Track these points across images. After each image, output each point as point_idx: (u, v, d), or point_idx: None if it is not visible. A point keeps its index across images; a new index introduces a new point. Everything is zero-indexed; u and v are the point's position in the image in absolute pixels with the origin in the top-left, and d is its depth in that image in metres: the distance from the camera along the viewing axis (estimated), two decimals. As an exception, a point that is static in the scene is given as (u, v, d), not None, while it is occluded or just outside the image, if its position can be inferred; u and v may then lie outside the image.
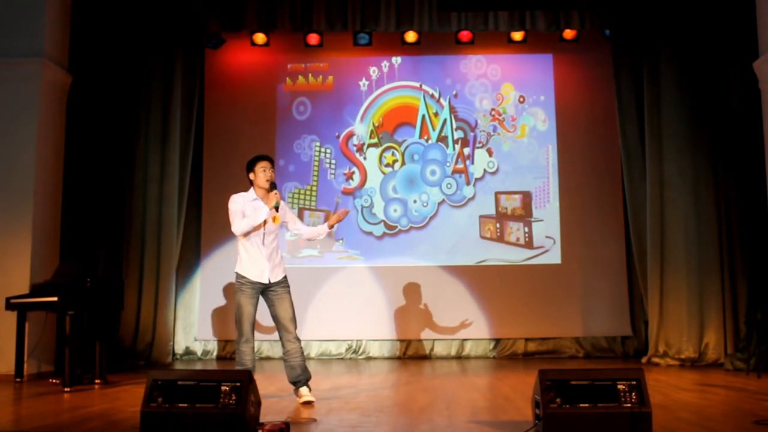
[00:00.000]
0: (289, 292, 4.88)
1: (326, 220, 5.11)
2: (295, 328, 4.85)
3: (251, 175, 4.87)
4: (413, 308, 8.20)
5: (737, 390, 5.30)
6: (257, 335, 8.17)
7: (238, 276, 4.82)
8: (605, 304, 8.19)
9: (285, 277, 4.91)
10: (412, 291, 8.22)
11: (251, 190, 4.89)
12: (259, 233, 4.80)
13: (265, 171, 4.83)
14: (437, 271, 8.27)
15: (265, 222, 4.76)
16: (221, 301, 8.23)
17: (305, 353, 8.08)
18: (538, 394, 3.46)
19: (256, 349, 8.11)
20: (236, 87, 8.56)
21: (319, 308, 8.18)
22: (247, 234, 4.79)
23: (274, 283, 4.82)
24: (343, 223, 6.42)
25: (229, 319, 8.19)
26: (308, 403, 4.66)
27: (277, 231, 4.89)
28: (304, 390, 4.79)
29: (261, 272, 4.79)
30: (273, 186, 4.80)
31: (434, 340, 8.20)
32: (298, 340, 4.86)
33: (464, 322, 8.11)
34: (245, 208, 4.80)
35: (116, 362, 6.87)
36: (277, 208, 4.72)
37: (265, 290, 4.83)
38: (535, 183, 8.40)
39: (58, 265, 6.62)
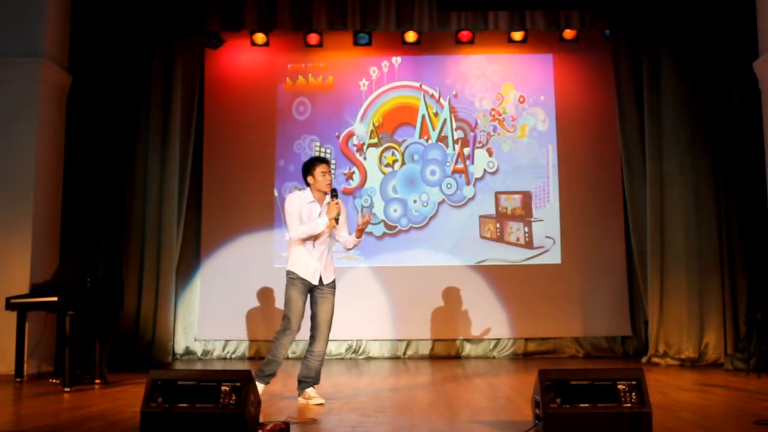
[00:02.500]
0: (334, 295, 4.88)
1: None
2: (329, 332, 4.86)
3: (310, 179, 4.85)
4: (413, 308, 8.19)
5: (737, 390, 5.30)
6: (258, 334, 8.20)
7: (290, 273, 4.80)
8: (605, 304, 8.19)
9: (335, 279, 4.91)
10: (412, 291, 8.21)
11: (307, 190, 4.88)
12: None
13: (325, 175, 4.81)
14: (437, 271, 8.27)
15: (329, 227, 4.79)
16: (221, 301, 8.22)
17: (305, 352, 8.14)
18: (538, 394, 3.46)
19: (256, 350, 8.20)
20: (236, 87, 8.56)
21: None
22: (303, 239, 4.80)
23: (325, 284, 4.82)
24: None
25: (229, 319, 8.19)
26: (320, 404, 4.66)
27: (328, 232, 4.88)
28: (311, 391, 4.80)
29: (314, 273, 4.79)
30: (334, 194, 4.80)
31: (434, 340, 8.20)
32: (326, 344, 4.88)
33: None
34: (302, 210, 4.79)
35: (116, 362, 6.88)
36: (337, 220, 4.73)
37: (313, 288, 4.83)
38: (535, 183, 8.40)
39: (58, 265, 6.62)
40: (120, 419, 4.14)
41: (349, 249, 5.05)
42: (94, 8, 7.37)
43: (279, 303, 8.19)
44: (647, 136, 7.49)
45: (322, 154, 8.42)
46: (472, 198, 8.40)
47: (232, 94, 8.55)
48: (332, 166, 8.41)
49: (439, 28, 7.67)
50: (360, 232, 4.81)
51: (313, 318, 4.85)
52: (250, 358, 8.14)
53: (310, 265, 4.79)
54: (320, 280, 4.80)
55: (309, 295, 4.86)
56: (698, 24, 7.42)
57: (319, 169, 4.82)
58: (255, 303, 8.21)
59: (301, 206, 4.80)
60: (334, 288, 4.90)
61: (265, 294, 8.22)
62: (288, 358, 8.09)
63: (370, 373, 6.70)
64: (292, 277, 4.80)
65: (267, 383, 4.83)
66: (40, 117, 6.73)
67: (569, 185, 8.37)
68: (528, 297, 8.20)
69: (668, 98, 7.47)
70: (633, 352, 8.08)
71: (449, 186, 8.42)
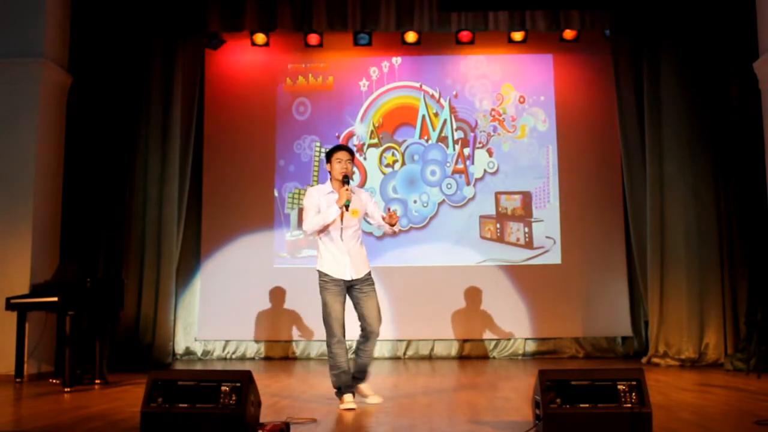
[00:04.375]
0: (374, 290, 4.68)
1: None
2: (380, 326, 4.66)
3: (328, 166, 4.72)
4: (413, 308, 8.18)
5: (737, 390, 5.30)
6: (258, 335, 8.19)
7: (321, 274, 4.62)
8: (605, 304, 8.18)
9: (369, 273, 4.69)
10: (412, 291, 8.20)
11: (328, 182, 4.74)
12: (336, 228, 4.60)
13: (340, 162, 4.62)
14: (437, 271, 8.26)
15: (341, 216, 4.58)
16: (221, 302, 8.22)
17: (307, 353, 8.14)
18: (538, 394, 3.46)
19: (255, 350, 8.19)
20: (236, 87, 8.56)
21: (318, 309, 8.13)
22: (320, 231, 4.62)
23: (358, 280, 4.62)
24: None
25: (229, 319, 8.19)
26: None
27: (357, 225, 4.69)
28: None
29: (343, 269, 4.59)
30: (346, 180, 4.59)
31: (434, 340, 8.20)
32: (376, 340, 4.72)
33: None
34: (320, 202, 4.63)
35: (116, 362, 6.87)
36: (347, 207, 4.49)
37: (350, 288, 4.63)
38: (535, 183, 8.40)
39: (58, 265, 6.62)
40: (120, 419, 4.15)
41: (386, 234, 4.93)
42: (94, 8, 7.36)
43: (280, 302, 8.19)
44: (647, 137, 7.49)
45: (323, 155, 8.41)
46: (472, 198, 8.40)
47: (232, 94, 8.55)
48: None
49: (439, 28, 7.67)
50: (392, 227, 4.59)
51: (361, 318, 4.65)
52: (251, 359, 8.14)
53: (339, 261, 4.60)
54: (351, 276, 4.59)
55: (348, 296, 4.65)
56: (698, 24, 7.41)
57: (335, 157, 4.66)
58: (255, 303, 8.20)
59: (318, 199, 4.65)
60: (372, 282, 4.68)
61: (266, 294, 8.21)
62: (296, 359, 8.09)
63: (370, 374, 6.68)
64: (323, 280, 4.60)
65: (351, 391, 4.60)
66: (40, 117, 6.73)
67: (569, 185, 8.36)
68: (528, 297, 8.20)
69: (668, 98, 7.46)
70: (633, 352, 8.08)
71: (449, 186, 8.42)
